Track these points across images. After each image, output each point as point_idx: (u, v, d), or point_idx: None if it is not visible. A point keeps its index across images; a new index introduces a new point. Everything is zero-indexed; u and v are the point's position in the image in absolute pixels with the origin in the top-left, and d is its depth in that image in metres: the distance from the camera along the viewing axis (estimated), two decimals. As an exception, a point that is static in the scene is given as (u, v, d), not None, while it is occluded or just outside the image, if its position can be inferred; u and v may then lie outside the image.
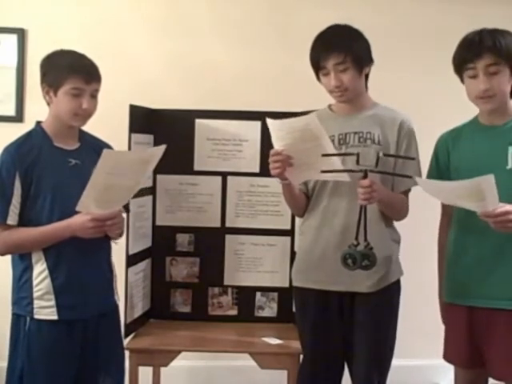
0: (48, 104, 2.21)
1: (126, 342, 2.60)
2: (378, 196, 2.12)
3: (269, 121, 2.12)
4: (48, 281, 2.15)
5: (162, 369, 2.88)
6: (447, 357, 2.30)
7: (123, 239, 2.60)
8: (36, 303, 2.14)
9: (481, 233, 2.14)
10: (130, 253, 2.68)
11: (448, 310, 2.30)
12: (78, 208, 2.05)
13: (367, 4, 3.35)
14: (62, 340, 2.16)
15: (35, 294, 2.15)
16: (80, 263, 2.18)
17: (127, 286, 2.64)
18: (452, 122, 2.35)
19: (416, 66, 3.35)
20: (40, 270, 2.15)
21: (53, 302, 2.15)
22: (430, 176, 2.32)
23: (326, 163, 2.11)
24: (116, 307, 2.35)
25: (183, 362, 2.73)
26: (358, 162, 2.10)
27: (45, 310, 2.15)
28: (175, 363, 2.59)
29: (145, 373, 2.68)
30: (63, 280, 2.16)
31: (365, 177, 2.08)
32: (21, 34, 3.28)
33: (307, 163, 2.14)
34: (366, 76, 2.33)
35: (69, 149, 2.22)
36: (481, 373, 2.24)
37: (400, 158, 2.26)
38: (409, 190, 2.35)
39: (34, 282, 2.15)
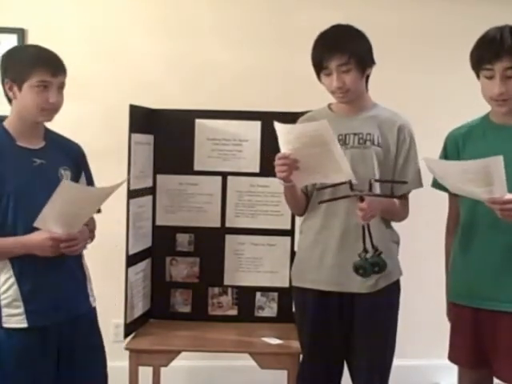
0: (9, 101, 2.13)
1: (125, 342, 2.61)
2: (376, 212, 2.15)
3: (277, 124, 2.09)
4: (15, 287, 2.06)
5: (162, 369, 2.88)
6: (452, 357, 2.28)
7: (123, 239, 2.61)
8: (4, 311, 2.06)
9: (487, 235, 2.12)
10: (130, 253, 2.67)
11: (453, 310, 2.28)
12: (36, 224, 1.99)
13: (367, 4, 3.35)
14: (34, 348, 2.07)
15: (3, 302, 2.06)
16: (48, 268, 2.08)
17: (127, 286, 2.64)
18: (453, 120, 2.34)
19: (417, 65, 3.35)
20: (6, 276, 2.07)
21: (21, 310, 2.06)
22: None
23: (333, 168, 2.10)
24: (92, 309, 2.26)
25: (183, 361, 2.73)
26: (351, 188, 2.11)
27: (13, 317, 2.06)
28: (175, 363, 2.59)
29: (145, 373, 2.68)
30: (31, 286, 2.07)
31: (361, 200, 2.10)
32: (21, 34, 3.28)
33: (314, 167, 2.12)
34: (367, 77, 2.32)
35: (33, 148, 2.13)
36: (485, 373, 2.22)
37: (393, 182, 2.27)
38: (408, 192, 2.35)
39: (1, 290, 2.07)
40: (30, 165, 2.10)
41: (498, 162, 1.88)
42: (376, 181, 2.16)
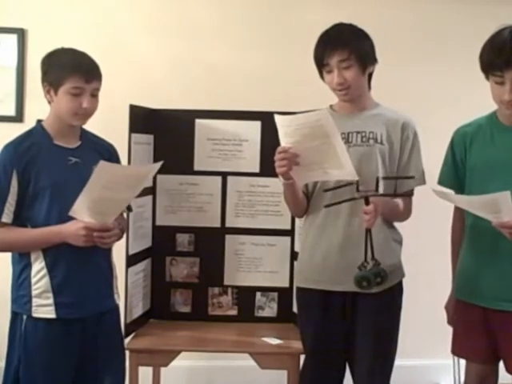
0: (49, 103, 2.21)
1: (125, 341, 2.60)
2: (380, 214, 2.14)
3: (277, 117, 2.07)
4: (47, 279, 2.15)
5: (162, 369, 2.88)
6: (458, 351, 2.28)
7: (123, 239, 2.61)
8: (34, 301, 2.14)
9: (494, 235, 2.10)
10: (130, 253, 2.67)
11: (461, 307, 2.27)
12: (71, 213, 2.06)
13: (370, 4, 3.35)
14: (59, 338, 2.16)
15: (34, 292, 2.15)
16: (78, 262, 2.17)
17: (127, 286, 2.64)
18: (456, 119, 2.34)
19: (419, 64, 3.35)
20: (38, 268, 2.15)
21: (51, 301, 2.15)
22: (446, 173, 2.29)
23: (334, 163, 2.08)
24: (116, 306, 2.34)
25: (183, 361, 2.73)
26: (357, 189, 2.10)
27: (43, 308, 2.15)
28: (175, 363, 2.59)
29: (145, 373, 2.68)
30: (61, 278, 2.16)
31: (367, 203, 2.09)
32: (21, 33, 3.28)
33: (314, 162, 2.10)
34: (370, 76, 2.32)
35: (69, 147, 2.22)
36: (493, 369, 2.23)
37: (399, 178, 2.26)
38: (412, 190, 2.34)
39: (33, 280, 2.15)
40: (65, 163, 2.19)
41: (505, 197, 1.90)
42: (384, 178, 2.15)
